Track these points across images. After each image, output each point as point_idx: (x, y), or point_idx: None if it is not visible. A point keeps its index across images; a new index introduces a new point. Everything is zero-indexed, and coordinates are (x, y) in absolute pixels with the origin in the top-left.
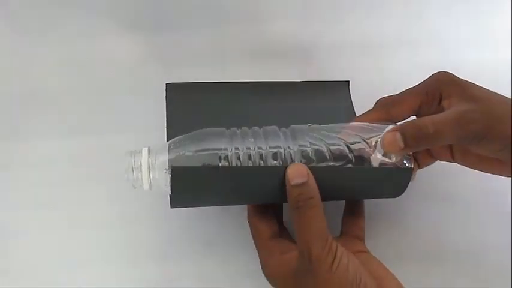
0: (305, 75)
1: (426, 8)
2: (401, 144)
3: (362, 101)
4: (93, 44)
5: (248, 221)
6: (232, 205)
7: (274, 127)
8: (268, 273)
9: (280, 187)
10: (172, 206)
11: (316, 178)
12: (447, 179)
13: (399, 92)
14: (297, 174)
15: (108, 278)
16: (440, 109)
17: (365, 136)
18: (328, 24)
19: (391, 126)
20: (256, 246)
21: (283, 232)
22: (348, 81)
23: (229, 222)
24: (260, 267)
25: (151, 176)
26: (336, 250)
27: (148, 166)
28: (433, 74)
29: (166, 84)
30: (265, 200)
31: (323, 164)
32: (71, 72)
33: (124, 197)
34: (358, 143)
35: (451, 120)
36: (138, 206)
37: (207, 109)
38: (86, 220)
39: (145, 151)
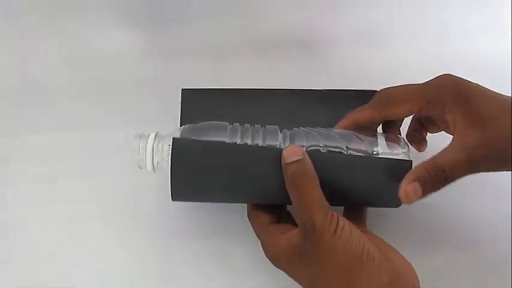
0: (306, 67)
1: None
2: (420, 193)
3: None
4: (91, 38)
5: (248, 217)
6: (231, 200)
7: (276, 127)
8: (271, 253)
9: (278, 169)
10: (173, 197)
11: (314, 164)
12: None
13: (401, 86)
14: (292, 153)
15: (108, 270)
16: (442, 119)
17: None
18: (329, 16)
19: (382, 141)
20: (258, 236)
21: (284, 218)
22: (375, 91)
23: (228, 214)
24: (260, 259)
25: (155, 159)
26: (338, 218)
27: (153, 148)
28: (436, 78)
29: (182, 89)
30: (263, 189)
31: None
32: (70, 67)
33: (124, 191)
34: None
35: (463, 161)
36: (137, 199)
37: (222, 115)
38: (86, 213)
39: (152, 135)
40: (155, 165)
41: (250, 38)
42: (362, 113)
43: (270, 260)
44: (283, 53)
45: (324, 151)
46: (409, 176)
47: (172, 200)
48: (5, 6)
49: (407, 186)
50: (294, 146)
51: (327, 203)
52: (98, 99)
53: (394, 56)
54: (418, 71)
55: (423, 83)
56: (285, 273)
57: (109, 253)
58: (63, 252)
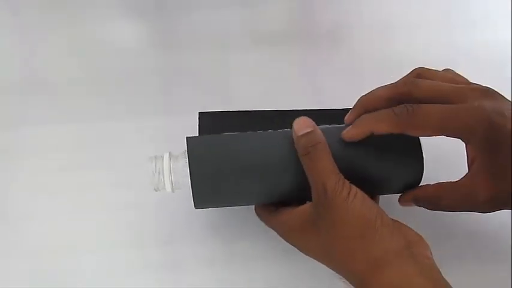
0: (308, 57)
1: None
2: (414, 205)
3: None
4: (95, 29)
5: (256, 213)
6: (253, 195)
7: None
8: (284, 229)
9: (293, 150)
10: (196, 204)
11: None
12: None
13: (432, 108)
14: (303, 125)
15: (111, 262)
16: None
17: None
18: (333, 6)
19: None
20: (269, 225)
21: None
22: None
23: (233, 208)
24: (268, 247)
25: (172, 179)
26: (351, 185)
27: (169, 169)
28: (473, 113)
29: (199, 113)
30: (281, 179)
31: None
32: (73, 58)
33: (127, 183)
34: None
35: (465, 209)
36: (141, 191)
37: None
38: (89, 206)
39: (166, 156)
40: (174, 185)
41: (253, 29)
42: (382, 126)
43: (283, 237)
44: (286, 45)
45: None
46: (409, 194)
47: (195, 207)
48: None
49: (404, 202)
50: (304, 118)
51: (338, 171)
52: (101, 90)
53: (398, 48)
54: (424, 61)
55: (454, 108)
56: (295, 262)
57: (114, 244)
58: (67, 243)
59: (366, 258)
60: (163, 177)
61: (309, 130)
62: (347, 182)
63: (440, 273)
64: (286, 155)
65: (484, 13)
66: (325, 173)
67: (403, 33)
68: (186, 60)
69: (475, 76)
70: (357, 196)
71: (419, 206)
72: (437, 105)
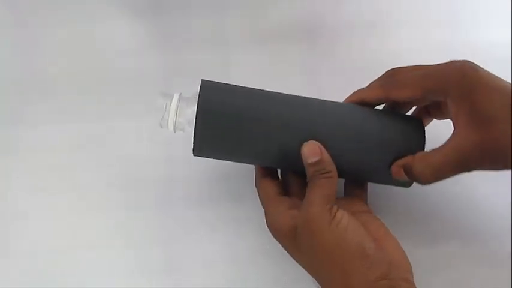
0: (309, 57)
1: None
2: (407, 178)
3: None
4: (93, 29)
5: (256, 186)
6: (255, 155)
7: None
8: (271, 227)
9: (302, 121)
10: (195, 148)
11: (330, 114)
12: None
13: (410, 69)
14: (311, 152)
15: (110, 262)
16: (446, 108)
17: None
18: (333, 5)
19: None
20: (263, 206)
21: (293, 191)
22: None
23: (234, 208)
24: (264, 249)
25: (178, 119)
26: (336, 212)
27: (176, 109)
28: (443, 64)
29: (202, 80)
30: (287, 141)
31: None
32: (72, 57)
33: (126, 183)
34: None
35: (453, 163)
36: (142, 190)
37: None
38: (88, 206)
39: (176, 95)
40: (178, 126)
41: (253, 28)
42: (369, 92)
43: (271, 233)
44: (286, 43)
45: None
46: (400, 161)
47: (194, 153)
48: None
49: (394, 167)
50: (312, 144)
51: (332, 200)
52: (99, 90)
53: (399, 46)
54: (423, 59)
55: (431, 67)
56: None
57: (112, 244)
58: (65, 243)
59: (341, 287)
60: (169, 116)
61: (317, 159)
62: (334, 208)
63: None
64: (296, 120)
65: (483, 12)
66: (317, 197)
67: (403, 33)
68: (185, 60)
69: None
70: (340, 224)
71: (411, 178)
72: (415, 66)
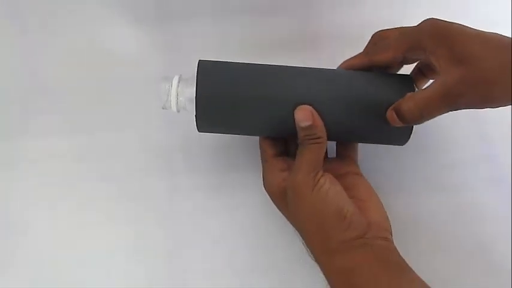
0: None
1: None
2: (400, 122)
3: None
4: (94, 37)
5: (259, 144)
6: (254, 126)
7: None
8: (266, 186)
9: (293, 86)
10: (198, 124)
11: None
12: (451, 169)
13: (390, 31)
14: (304, 117)
15: (113, 274)
16: (428, 60)
17: None
18: (332, 14)
19: None
20: (262, 163)
21: (293, 150)
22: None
23: (235, 220)
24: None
25: (179, 99)
26: (320, 178)
27: (177, 89)
28: (419, 24)
29: (199, 60)
30: (284, 112)
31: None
32: (72, 67)
33: (127, 195)
34: None
35: (440, 97)
36: (143, 202)
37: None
38: (90, 218)
39: (176, 77)
40: (180, 105)
41: (254, 38)
42: (355, 60)
43: (265, 190)
44: (285, 53)
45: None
46: (393, 106)
47: (198, 129)
48: (9, 5)
49: (389, 112)
50: (305, 109)
51: (318, 165)
52: (100, 100)
53: None
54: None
55: (407, 28)
56: (293, 274)
57: (114, 256)
58: (67, 255)
59: (320, 245)
60: (171, 98)
61: (309, 123)
62: (319, 174)
63: (396, 252)
64: (289, 90)
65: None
66: (304, 164)
67: None
68: (187, 70)
69: None
70: (322, 189)
71: (404, 122)
72: (396, 28)
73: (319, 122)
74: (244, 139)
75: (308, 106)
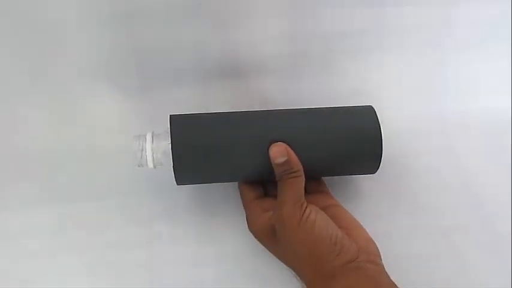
0: (300, 85)
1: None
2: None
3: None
4: (76, 107)
5: (239, 190)
6: (231, 171)
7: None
8: (251, 229)
9: (266, 130)
10: (176, 176)
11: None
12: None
13: None
14: (279, 153)
15: None
16: None
17: None
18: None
19: None
20: (244, 208)
21: (272, 190)
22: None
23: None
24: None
25: (155, 155)
26: (306, 208)
27: (151, 147)
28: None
29: (170, 115)
30: (258, 158)
31: None
32: (52, 136)
33: (108, 267)
34: None
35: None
36: (122, 276)
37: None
38: None
39: (149, 134)
40: (156, 161)
41: (237, 101)
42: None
43: (251, 232)
44: (278, 71)
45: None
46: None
47: (177, 183)
48: None
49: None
50: (279, 146)
51: (301, 197)
52: (80, 170)
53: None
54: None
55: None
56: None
57: None
58: None
59: (315, 273)
60: (146, 154)
61: (284, 159)
62: (304, 205)
63: (385, 274)
64: (262, 135)
65: (482, 80)
66: (288, 198)
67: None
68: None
69: (474, 144)
70: (308, 219)
71: None
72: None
73: (294, 157)
74: (223, 186)
75: (282, 143)
